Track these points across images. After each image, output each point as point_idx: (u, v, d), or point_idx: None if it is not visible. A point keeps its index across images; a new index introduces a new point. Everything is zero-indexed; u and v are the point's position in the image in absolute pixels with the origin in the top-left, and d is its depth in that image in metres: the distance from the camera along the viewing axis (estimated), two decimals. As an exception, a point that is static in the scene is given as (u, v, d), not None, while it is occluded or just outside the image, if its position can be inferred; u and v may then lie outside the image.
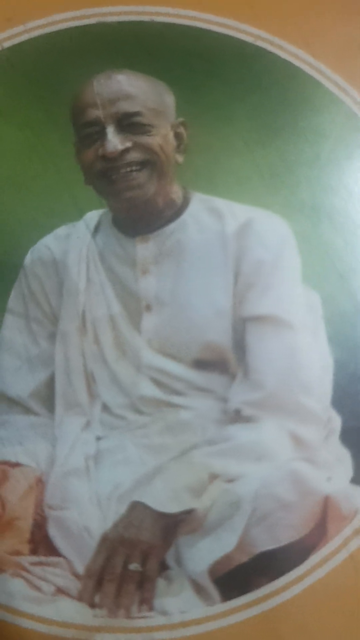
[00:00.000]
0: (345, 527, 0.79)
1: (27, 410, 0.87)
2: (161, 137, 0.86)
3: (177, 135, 0.88)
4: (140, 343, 0.87)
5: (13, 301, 0.89)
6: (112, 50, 0.91)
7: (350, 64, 0.92)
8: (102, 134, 0.85)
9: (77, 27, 0.91)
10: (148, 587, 0.77)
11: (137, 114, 0.85)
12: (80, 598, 0.77)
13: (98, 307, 0.88)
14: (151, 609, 0.76)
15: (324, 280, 0.87)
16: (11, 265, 0.89)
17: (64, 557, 0.79)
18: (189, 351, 0.86)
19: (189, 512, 0.79)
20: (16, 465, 0.83)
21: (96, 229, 0.90)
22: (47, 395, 0.87)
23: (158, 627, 0.75)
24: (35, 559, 0.79)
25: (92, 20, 0.92)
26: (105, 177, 0.86)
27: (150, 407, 0.86)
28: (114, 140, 0.84)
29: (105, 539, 0.78)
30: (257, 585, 0.77)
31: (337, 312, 0.86)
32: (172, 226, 0.89)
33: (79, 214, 0.90)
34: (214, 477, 0.81)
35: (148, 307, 0.87)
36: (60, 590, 0.77)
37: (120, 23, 0.92)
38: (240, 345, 0.86)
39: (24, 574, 0.78)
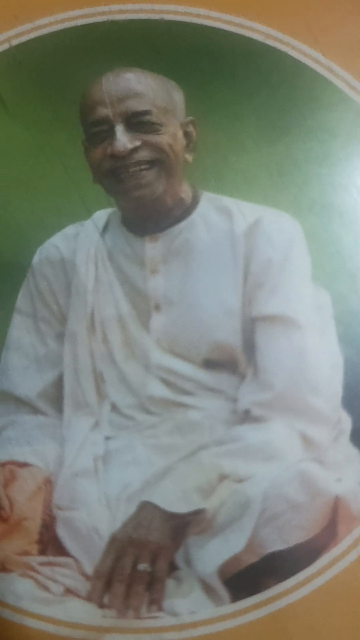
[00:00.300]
0: (355, 528, 0.79)
1: (35, 411, 0.87)
2: (170, 136, 0.86)
3: (187, 134, 0.88)
4: (149, 343, 0.87)
5: (21, 301, 0.89)
6: (121, 49, 0.90)
7: (361, 62, 0.92)
8: (111, 133, 0.85)
9: (85, 25, 0.91)
10: (157, 588, 0.76)
11: (146, 112, 0.85)
12: (89, 598, 0.77)
13: (107, 306, 0.87)
14: (160, 609, 0.76)
15: (334, 279, 0.87)
16: (19, 265, 0.89)
17: (73, 557, 0.78)
18: (198, 351, 0.86)
19: (198, 513, 0.78)
20: (24, 465, 0.83)
21: (105, 228, 0.90)
22: (56, 396, 0.87)
23: (167, 627, 0.75)
24: (43, 559, 0.79)
25: (101, 18, 0.91)
26: (113, 175, 0.86)
27: (159, 407, 0.86)
28: (123, 139, 0.84)
29: (114, 540, 0.78)
30: (267, 586, 0.77)
31: (347, 311, 0.86)
32: (181, 225, 0.89)
33: (87, 214, 0.89)
34: (223, 477, 0.80)
35: (157, 307, 0.87)
36: (69, 591, 0.77)
37: (129, 21, 0.91)
38: (250, 345, 0.86)
39: (33, 574, 0.78)
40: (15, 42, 0.90)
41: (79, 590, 0.77)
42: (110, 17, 0.91)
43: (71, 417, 0.86)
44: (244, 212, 0.88)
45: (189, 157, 0.88)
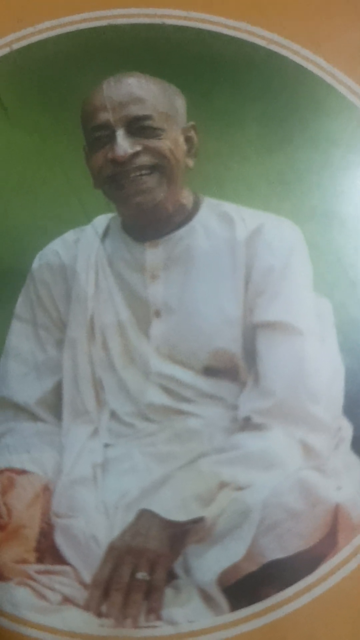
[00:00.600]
0: (355, 537, 0.79)
1: (34, 418, 0.86)
2: (171, 141, 0.85)
3: (188, 139, 0.87)
4: (149, 350, 0.86)
5: (20, 307, 0.88)
6: (122, 53, 0.90)
7: (364, 69, 0.92)
8: (111, 138, 0.84)
9: (87, 30, 0.91)
10: (156, 597, 0.76)
11: (147, 117, 0.84)
12: (87, 607, 0.76)
13: (106, 313, 0.87)
14: (159, 618, 0.75)
15: (335, 288, 0.87)
16: (18, 270, 0.88)
17: (71, 565, 0.78)
18: (198, 358, 0.86)
19: (197, 521, 0.78)
20: (23, 472, 0.82)
21: (105, 234, 0.90)
22: (54, 403, 0.87)
23: (166, 637, 0.75)
24: (41, 567, 0.78)
25: (103, 23, 0.91)
26: (114, 181, 0.85)
27: (158, 414, 0.85)
28: (124, 144, 0.84)
29: (112, 548, 0.78)
30: (266, 595, 0.77)
31: (348, 320, 0.86)
32: (181, 232, 0.88)
33: (87, 220, 0.89)
34: (222, 485, 0.80)
35: (157, 314, 0.87)
36: (66, 599, 0.77)
37: (130, 26, 0.91)
38: (250, 353, 0.86)
39: (30, 582, 0.77)
40: (16, 46, 0.90)
41: (76, 598, 0.76)
42: (112, 22, 0.91)
43: (70, 425, 0.86)
44: (245, 218, 0.88)
45: (191, 162, 0.88)
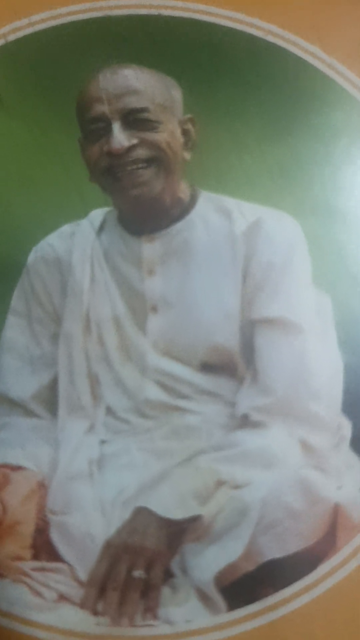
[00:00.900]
0: (355, 536, 0.78)
1: (29, 413, 0.86)
2: (168, 134, 0.85)
3: (185, 132, 0.86)
4: (146, 345, 0.85)
5: (15, 301, 0.88)
6: (119, 44, 0.90)
7: (365, 60, 0.91)
8: (107, 130, 0.84)
9: (82, 21, 0.91)
10: (152, 596, 0.75)
11: (143, 109, 0.84)
12: (82, 605, 0.76)
13: (102, 307, 0.86)
14: (156, 617, 0.75)
15: (336, 283, 0.86)
16: (17, 263, 0.88)
17: (67, 563, 0.77)
18: (196, 354, 0.85)
19: (194, 519, 0.77)
20: (18, 468, 0.82)
21: (101, 228, 0.89)
22: (50, 398, 0.86)
23: (162, 636, 0.74)
24: (37, 564, 0.78)
25: (98, 14, 0.91)
26: (110, 174, 0.85)
27: (155, 410, 0.85)
28: (120, 137, 0.83)
29: (108, 545, 0.77)
30: (264, 595, 0.76)
31: (349, 316, 0.85)
32: (179, 225, 0.88)
33: (85, 212, 0.89)
34: (220, 483, 0.79)
35: (154, 308, 0.86)
36: (62, 597, 0.76)
37: (126, 16, 0.91)
38: (248, 348, 0.85)
39: (26, 579, 0.77)
40: (11, 37, 0.90)
41: (72, 596, 0.76)
42: (108, 13, 0.91)
43: (66, 420, 0.85)
44: (244, 212, 0.87)
45: (187, 155, 0.87)
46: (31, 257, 0.88)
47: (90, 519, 0.79)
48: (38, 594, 0.76)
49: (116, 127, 0.83)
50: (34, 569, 0.77)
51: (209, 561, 0.76)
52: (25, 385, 0.86)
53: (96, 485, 0.81)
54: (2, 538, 0.78)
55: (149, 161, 0.84)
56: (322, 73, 0.90)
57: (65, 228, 0.89)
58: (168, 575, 0.76)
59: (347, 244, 0.87)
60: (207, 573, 0.75)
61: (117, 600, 0.75)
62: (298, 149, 0.89)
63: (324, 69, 0.90)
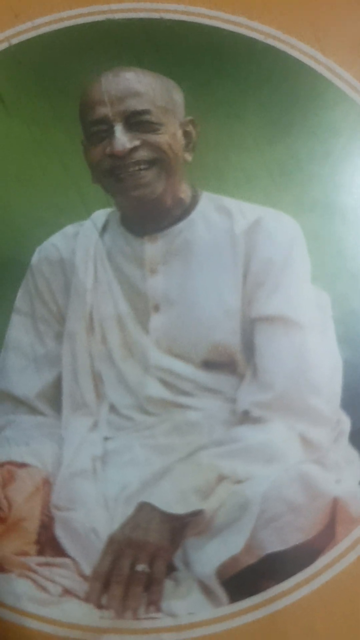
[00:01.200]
0: (354, 530, 0.79)
1: (34, 411, 0.86)
2: (170, 136, 0.85)
3: (186, 134, 0.87)
4: (148, 343, 0.86)
5: (20, 300, 0.88)
6: (121, 48, 0.90)
7: (361, 62, 0.92)
8: (110, 132, 0.84)
9: (85, 24, 0.90)
10: (155, 589, 0.76)
11: (145, 112, 0.84)
12: (87, 599, 0.76)
13: (106, 306, 0.87)
14: (159, 610, 0.76)
15: (335, 280, 0.86)
16: (17, 262, 0.88)
17: (71, 558, 0.78)
18: (197, 351, 0.86)
19: (196, 514, 0.78)
20: (23, 465, 0.82)
21: (104, 228, 0.90)
22: (54, 396, 0.87)
23: (165, 628, 0.75)
24: (42, 559, 0.78)
25: (101, 17, 0.91)
26: (113, 175, 0.85)
27: (157, 407, 0.85)
28: (122, 139, 0.84)
29: (112, 541, 0.78)
30: (265, 587, 0.77)
31: (348, 312, 0.86)
32: (180, 225, 0.88)
33: (86, 212, 0.89)
34: (222, 478, 0.80)
35: (156, 307, 0.87)
36: (67, 592, 0.77)
37: (128, 20, 0.91)
38: (249, 346, 0.85)
39: (31, 574, 0.77)
40: (14, 40, 0.90)
41: (76, 591, 0.77)
42: (110, 16, 0.91)
43: (69, 418, 0.86)
44: (244, 211, 0.88)
45: (189, 156, 0.87)
46: (35, 258, 0.89)
47: (94, 514, 0.80)
48: (43, 588, 0.77)
49: (118, 129, 0.84)
50: (39, 564, 0.78)
51: (211, 555, 0.77)
52: (29, 383, 0.86)
53: (99, 481, 0.82)
54: (7, 534, 0.78)
55: (151, 163, 0.85)
56: (320, 75, 0.90)
57: (69, 228, 0.89)
58: (171, 569, 0.77)
59: (346, 242, 0.87)
60: (209, 566, 0.76)
61: (121, 594, 0.76)
62: (297, 148, 0.89)
63: (322, 71, 0.90)
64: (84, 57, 0.90)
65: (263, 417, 0.83)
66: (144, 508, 0.79)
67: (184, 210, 0.89)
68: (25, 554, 0.78)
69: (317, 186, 0.89)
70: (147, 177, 0.85)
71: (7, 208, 0.88)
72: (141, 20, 0.91)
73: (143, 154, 0.84)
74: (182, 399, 0.85)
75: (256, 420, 0.83)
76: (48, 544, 0.79)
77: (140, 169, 0.84)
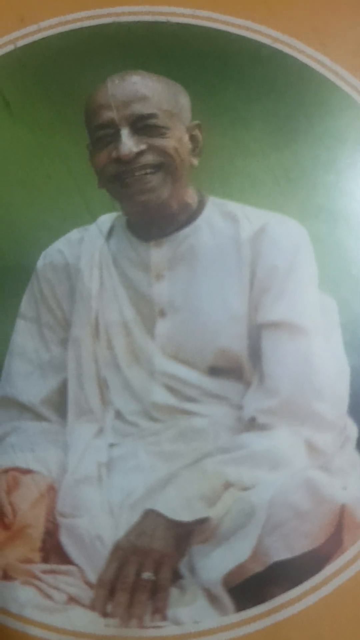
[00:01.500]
0: (361, 537, 0.79)
1: (39, 417, 0.86)
2: (176, 140, 0.85)
3: (193, 138, 0.87)
4: (154, 349, 0.86)
5: (25, 306, 0.88)
6: (127, 51, 0.90)
7: (368, 67, 0.92)
8: (116, 136, 0.84)
9: (91, 27, 0.90)
10: (161, 597, 0.76)
11: (151, 116, 0.84)
12: (92, 607, 0.76)
13: (111, 312, 0.87)
14: (164, 618, 0.75)
15: (340, 286, 0.86)
16: (22, 268, 0.88)
17: (76, 565, 0.78)
18: (203, 357, 0.85)
19: (202, 521, 0.78)
20: (27, 472, 0.82)
21: (109, 233, 0.90)
22: (59, 402, 0.86)
23: (171, 637, 0.75)
24: (46, 567, 0.78)
25: (107, 20, 0.91)
26: (119, 180, 0.85)
27: (163, 413, 0.85)
28: (129, 143, 0.83)
29: (117, 548, 0.77)
30: (272, 595, 0.76)
31: (354, 318, 0.86)
32: (186, 230, 0.88)
33: (90, 216, 0.89)
34: (227, 485, 0.80)
35: (162, 313, 0.86)
36: (72, 599, 0.76)
37: (134, 23, 0.91)
38: (255, 352, 0.85)
39: (36, 582, 0.77)
40: (20, 43, 0.90)
41: (82, 598, 0.76)
42: (116, 19, 0.91)
43: (75, 424, 0.86)
44: (250, 217, 0.88)
45: (195, 161, 0.87)
46: (40, 263, 0.88)
47: (99, 521, 0.79)
48: (48, 596, 0.76)
49: (124, 134, 0.83)
50: (44, 572, 0.77)
51: (217, 562, 0.76)
52: (34, 389, 0.86)
53: (105, 488, 0.82)
54: (12, 541, 0.78)
55: (157, 167, 0.84)
56: (326, 79, 0.91)
57: (74, 234, 0.89)
58: (176, 576, 0.77)
59: (350, 248, 0.87)
60: (214, 574, 0.76)
61: (126, 601, 0.75)
62: (302, 154, 0.89)
63: (328, 76, 0.91)
64: (89, 61, 0.90)
65: (269, 424, 0.83)
66: (150, 515, 0.78)
67: (190, 215, 0.88)
68: (29, 561, 0.78)
69: (322, 192, 0.89)
70: (153, 182, 0.85)
71: (11, 213, 0.87)
72: (147, 23, 0.91)
73: (149, 158, 0.84)
74: (188, 405, 0.85)
75: (262, 427, 0.83)
76: (53, 551, 0.79)
77: (146, 174, 0.84)
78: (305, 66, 0.91)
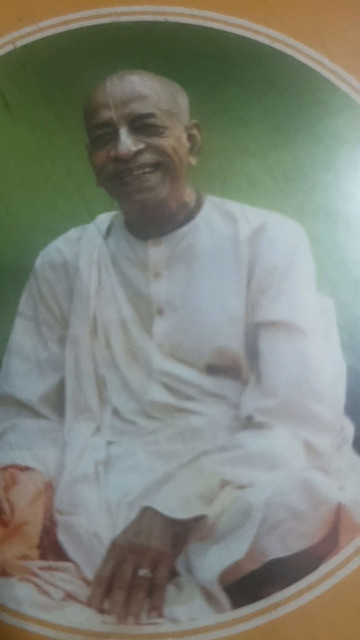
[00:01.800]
0: (357, 537, 0.79)
1: (37, 415, 0.86)
2: (174, 139, 0.85)
3: (191, 137, 0.87)
4: (152, 348, 0.86)
5: (23, 304, 0.88)
6: (126, 51, 0.90)
7: (367, 67, 0.92)
8: (114, 135, 0.84)
9: (90, 27, 0.91)
10: (158, 594, 0.76)
11: (150, 115, 0.84)
12: (89, 604, 0.76)
13: (109, 311, 0.87)
14: (161, 616, 0.76)
15: (339, 286, 0.86)
16: (21, 267, 0.88)
17: (73, 562, 0.78)
18: (201, 356, 0.86)
19: (199, 519, 0.78)
20: (25, 469, 0.82)
21: (108, 232, 0.90)
22: (57, 400, 0.87)
23: (167, 634, 0.75)
24: (44, 563, 0.78)
25: (106, 20, 0.91)
26: (117, 178, 0.85)
27: (161, 412, 0.85)
28: (127, 142, 0.84)
29: (114, 545, 0.78)
30: (268, 594, 0.77)
31: (351, 319, 0.86)
32: (184, 229, 0.88)
33: (89, 217, 0.89)
34: (224, 484, 0.80)
35: (160, 312, 0.87)
36: (69, 596, 0.77)
37: (134, 23, 0.91)
38: (252, 351, 0.85)
39: (33, 578, 0.77)
40: (19, 43, 0.90)
41: (79, 595, 0.77)
42: (115, 19, 0.91)
43: (73, 422, 0.86)
44: (249, 216, 0.88)
45: (193, 160, 0.87)
46: (38, 262, 0.89)
47: (97, 519, 0.79)
48: (45, 592, 0.76)
49: (123, 133, 0.84)
50: (41, 568, 0.78)
51: (213, 560, 0.76)
52: (32, 387, 0.86)
53: (102, 486, 0.82)
54: (9, 538, 0.78)
55: (155, 166, 0.85)
56: (325, 79, 0.90)
57: (72, 232, 0.89)
58: (173, 574, 0.77)
59: (349, 248, 0.87)
60: (211, 572, 0.76)
61: (123, 599, 0.76)
62: (301, 154, 0.89)
63: (327, 76, 0.90)
64: (88, 60, 0.90)
65: (266, 423, 0.83)
66: (147, 513, 0.78)
67: (188, 214, 0.89)
68: (27, 558, 0.78)
69: (321, 192, 0.89)
70: (152, 181, 0.85)
71: (10, 212, 0.88)
72: (146, 23, 0.91)
73: (148, 157, 0.84)
74: (186, 404, 0.85)
75: (259, 426, 0.83)
76: (50, 548, 0.79)
77: (144, 172, 0.84)
78: (304, 66, 0.91)
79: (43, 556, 0.79)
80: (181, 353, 0.86)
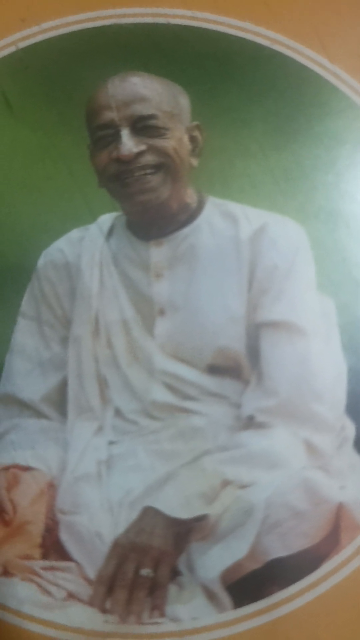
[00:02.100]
0: (358, 536, 0.79)
1: (39, 414, 0.86)
2: (176, 140, 0.85)
3: (192, 139, 0.87)
4: (153, 348, 0.86)
5: (25, 304, 0.89)
6: (127, 52, 0.90)
7: (368, 69, 0.92)
8: (116, 137, 0.84)
9: (92, 29, 0.91)
10: (159, 594, 0.76)
11: (151, 116, 0.84)
12: (91, 603, 0.76)
13: (111, 311, 0.87)
14: (162, 615, 0.76)
15: (339, 287, 0.86)
16: (23, 268, 0.88)
17: (75, 562, 0.78)
18: (202, 356, 0.86)
19: (200, 519, 0.78)
20: (28, 469, 0.83)
21: (110, 233, 0.90)
22: (59, 400, 0.87)
23: (169, 633, 0.75)
24: (46, 563, 0.79)
25: (108, 22, 0.91)
26: (119, 180, 0.85)
27: (162, 412, 0.85)
28: (129, 143, 0.84)
29: (116, 545, 0.78)
30: (269, 593, 0.77)
31: (352, 320, 0.86)
32: (186, 230, 0.88)
33: (91, 217, 0.89)
34: (226, 483, 0.80)
35: (161, 312, 0.87)
36: (71, 595, 0.77)
37: (135, 25, 0.91)
38: (254, 351, 0.86)
39: (35, 578, 0.77)
40: (22, 44, 0.90)
41: (81, 595, 0.77)
42: (117, 21, 0.91)
43: (75, 422, 0.86)
44: (250, 217, 0.88)
45: (195, 161, 0.88)
46: (41, 262, 0.89)
47: (99, 518, 0.80)
48: (47, 592, 0.77)
49: (125, 134, 0.84)
50: (44, 568, 0.78)
51: (215, 560, 0.76)
52: (35, 387, 0.86)
53: (104, 486, 0.82)
54: (12, 537, 0.79)
55: (157, 167, 0.85)
56: (326, 81, 0.91)
57: (74, 233, 0.89)
58: (175, 573, 0.77)
59: (350, 249, 0.87)
60: (213, 571, 0.76)
61: (125, 598, 0.76)
62: (302, 155, 0.89)
63: (327, 77, 0.91)
64: (90, 62, 0.90)
65: (267, 423, 0.83)
66: (149, 512, 0.79)
67: (190, 215, 0.89)
68: (29, 557, 0.78)
69: (321, 193, 0.89)
70: (153, 182, 0.85)
71: (12, 213, 0.88)
72: (148, 25, 0.91)
73: (149, 159, 0.85)
74: (187, 404, 0.85)
75: (260, 426, 0.83)
76: (52, 547, 0.79)
77: (146, 174, 0.85)
78: (305, 67, 0.91)
79: (45, 556, 0.79)
80: (183, 353, 0.86)
